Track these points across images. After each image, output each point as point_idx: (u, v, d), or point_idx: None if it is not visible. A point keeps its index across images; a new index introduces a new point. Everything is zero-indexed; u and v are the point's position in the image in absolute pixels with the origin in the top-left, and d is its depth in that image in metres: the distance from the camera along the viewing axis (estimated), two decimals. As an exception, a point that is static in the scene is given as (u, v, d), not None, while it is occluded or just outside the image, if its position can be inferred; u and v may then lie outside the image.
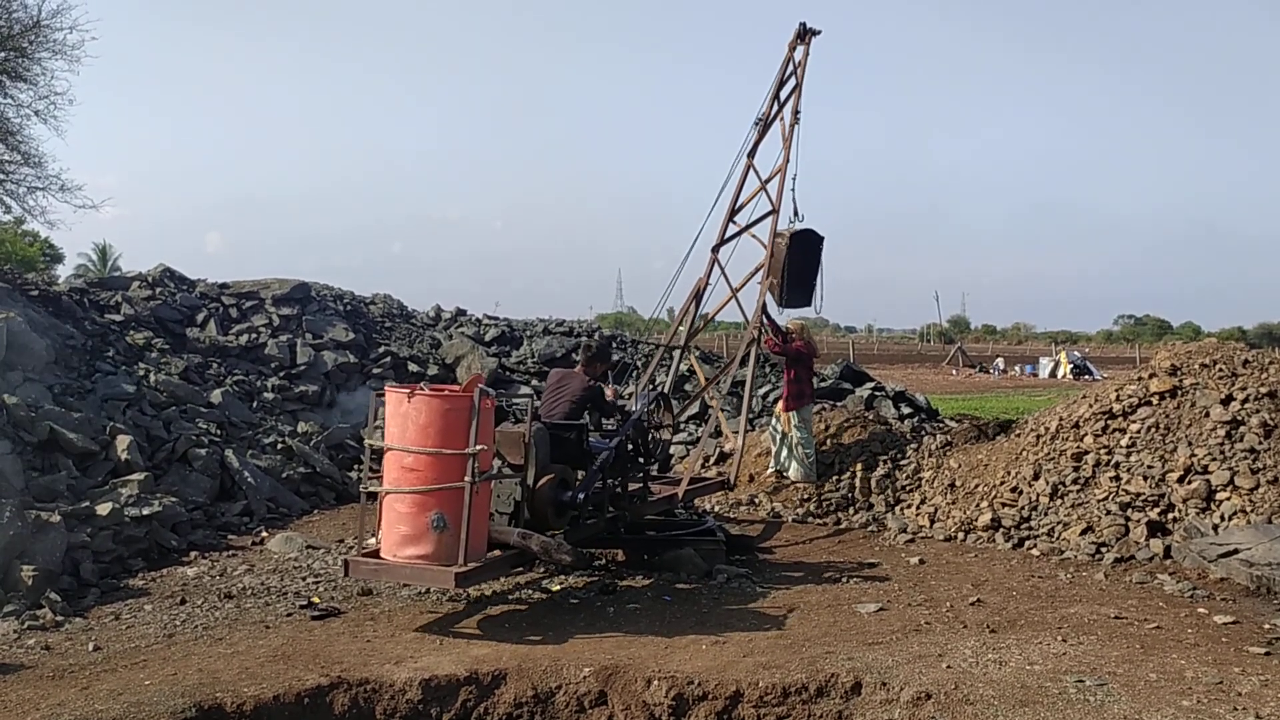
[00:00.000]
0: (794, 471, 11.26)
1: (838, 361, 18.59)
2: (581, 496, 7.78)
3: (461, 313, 19.31)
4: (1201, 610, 7.18)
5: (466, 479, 6.55)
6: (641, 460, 8.98)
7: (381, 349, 15.54)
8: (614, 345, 17.99)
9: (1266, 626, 6.78)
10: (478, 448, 6.58)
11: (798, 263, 11.77)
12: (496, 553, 7.18)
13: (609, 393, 8.99)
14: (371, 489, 7.04)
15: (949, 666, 5.91)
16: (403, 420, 6.66)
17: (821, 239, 12.14)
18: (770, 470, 11.52)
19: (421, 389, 6.72)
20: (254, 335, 14.69)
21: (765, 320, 11.47)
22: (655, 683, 5.88)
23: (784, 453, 11.36)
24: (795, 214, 12.02)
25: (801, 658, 6.13)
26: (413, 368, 15.22)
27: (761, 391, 14.49)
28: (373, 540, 7.13)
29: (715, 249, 11.87)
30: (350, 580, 7.88)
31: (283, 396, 13.46)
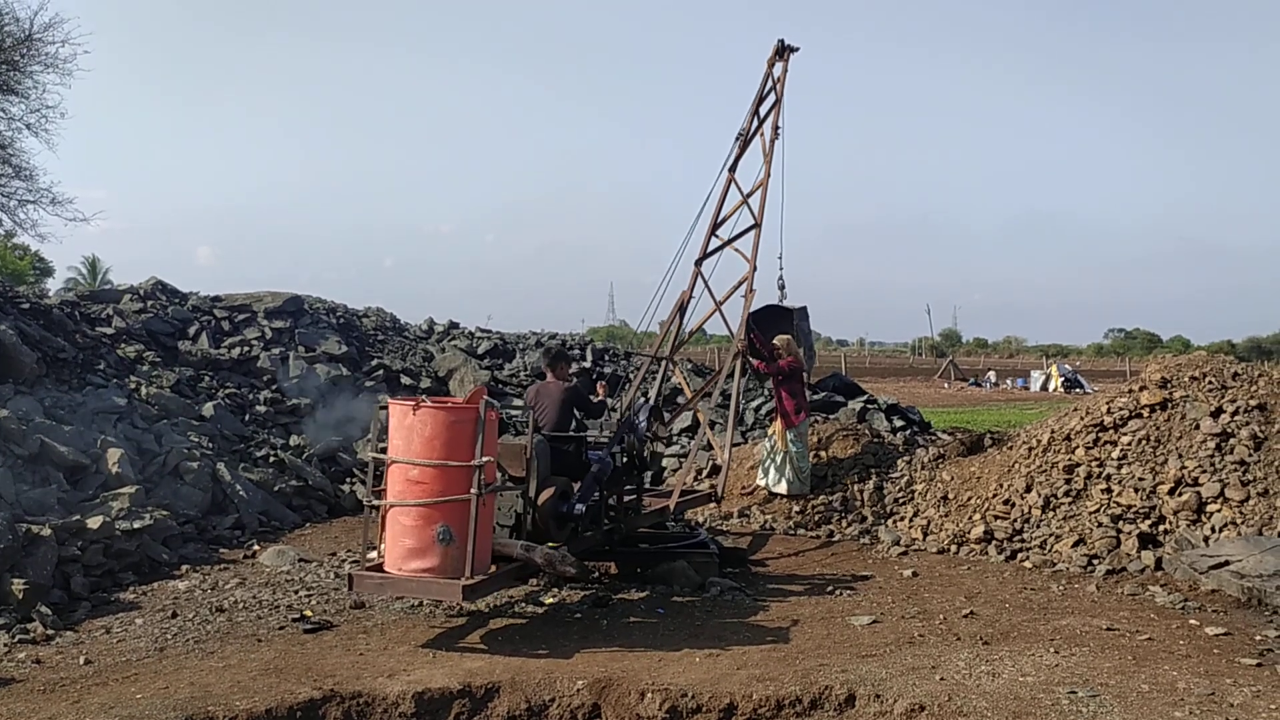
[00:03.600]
0: (784, 486, 11.25)
1: (830, 374, 18.63)
2: (582, 508, 7.79)
3: (454, 326, 19.34)
4: (1193, 622, 7.20)
5: (473, 491, 6.55)
6: (636, 472, 9.00)
7: (374, 362, 15.54)
8: (604, 359, 18.01)
9: (1258, 638, 6.80)
10: (484, 460, 6.58)
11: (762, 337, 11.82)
12: (494, 567, 7.16)
13: (599, 390, 9.02)
14: (375, 502, 7.01)
15: (942, 678, 5.91)
16: (408, 433, 6.65)
17: (791, 312, 12.15)
18: (758, 484, 11.51)
19: (424, 401, 6.71)
20: (246, 348, 14.68)
21: (751, 338, 11.46)
22: (649, 695, 5.87)
23: (773, 470, 11.34)
24: (781, 289, 12.08)
25: (795, 670, 6.13)
26: (405, 380, 15.22)
27: (754, 405, 14.51)
28: (374, 554, 7.10)
29: (698, 262, 11.92)
30: (343, 593, 7.88)
31: (275, 409, 13.43)
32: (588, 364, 17.55)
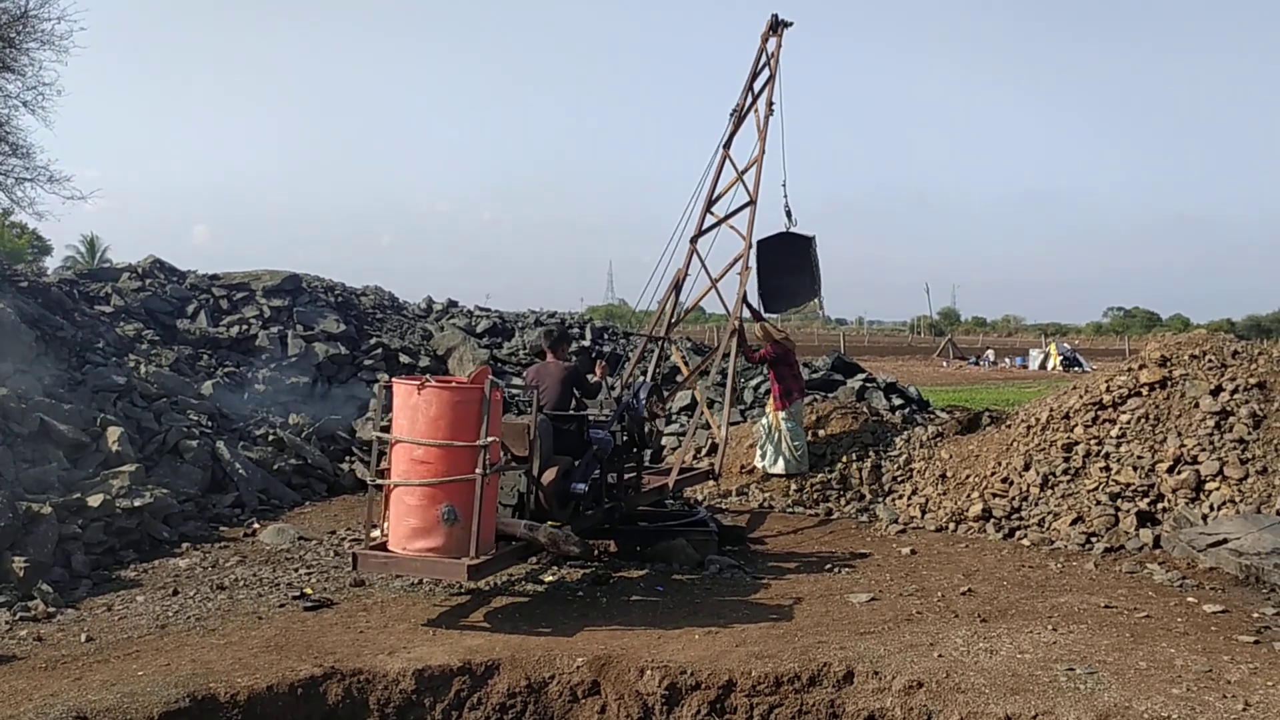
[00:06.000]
0: (781, 466, 11.26)
1: (828, 354, 18.65)
2: (584, 487, 7.79)
3: (453, 304, 19.30)
4: (1191, 599, 7.23)
5: (478, 471, 6.55)
6: (636, 450, 9.00)
7: (373, 340, 15.51)
8: (603, 338, 18.01)
9: (1255, 615, 6.83)
10: (489, 439, 6.58)
11: (769, 267, 11.86)
12: (496, 546, 7.17)
13: (598, 370, 9.02)
14: (379, 482, 7.01)
15: (940, 655, 5.94)
16: (412, 412, 6.64)
17: (804, 239, 12.18)
18: (754, 464, 11.53)
19: (429, 381, 6.70)
20: (245, 327, 14.66)
21: (748, 314, 11.50)
22: (648, 672, 5.89)
23: (770, 450, 11.36)
24: (789, 216, 12.08)
25: (794, 647, 6.16)
26: (404, 359, 15.20)
27: (753, 384, 14.51)
28: (377, 533, 7.11)
29: (694, 240, 11.92)
30: (344, 571, 7.90)
31: (274, 388, 13.43)
32: (587, 343, 17.54)
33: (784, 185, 12.02)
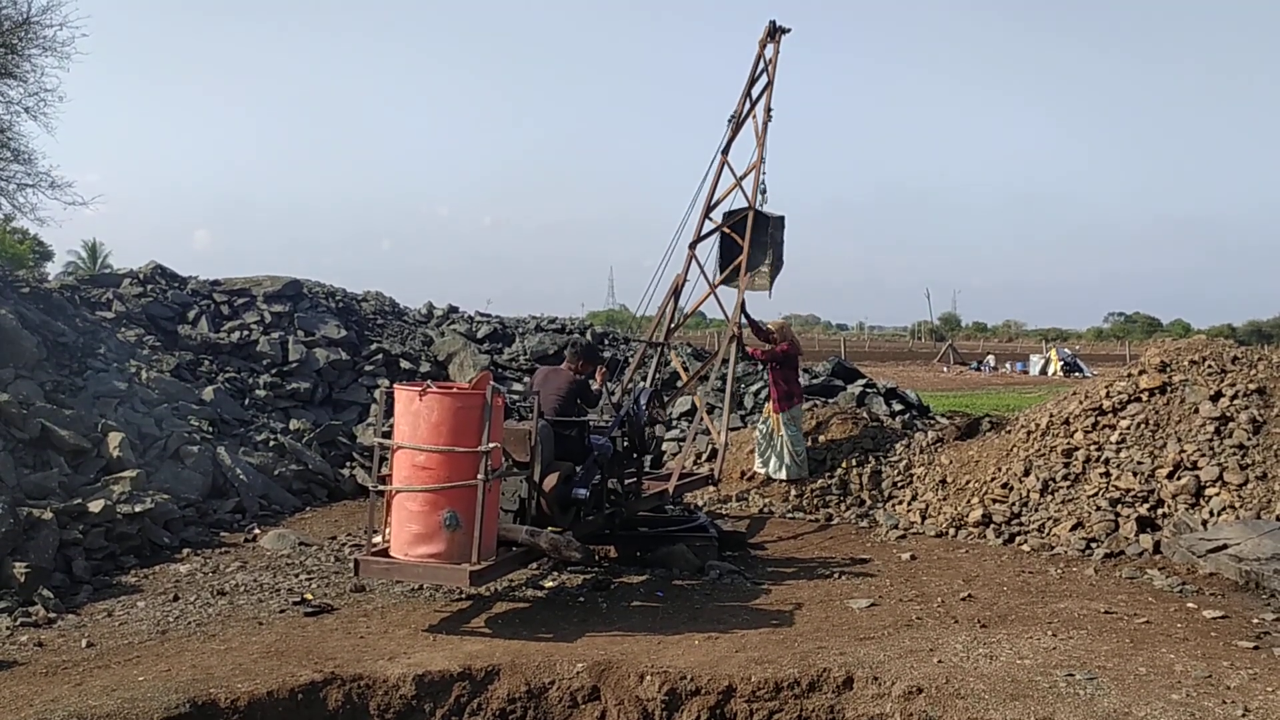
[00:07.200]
0: (783, 472, 11.27)
1: (829, 359, 18.66)
2: (585, 493, 7.80)
3: (454, 310, 19.30)
4: (1190, 605, 7.23)
5: (480, 477, 6.57)
6: (637, 456, 9.01)
7: (374, 346, 15.51)
8: (604, 343, 18.01)
9: (1255, 621, 6.83)
10: (490, 445, 6.60)
11: (732, 242, 11.89)
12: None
13: (598, 375, 9.03)
14: (380, 488, 7.02)
15: (940, 661, 5.94)
16: (414, 418, 6.65)
17: (768, 219, 12.14)
18: (754, 469, 11.54)
19: (431, 387, 6.72)
20: (246, 332, 14.67)
21: (747, 320, 11.50)
22: (648, 678, 5.90)
23: (770, 455, 11.36)
24: (762, 193, 12.03)
25: (794, 653, 6.16)
26: (405, 365, 15.20)
27: (754, 389, 14.53)
28: (379, 538, 7.12)
29: (692, 245, 11.95)
30: (344, 576, 7.91)
31: (275, 394, 13.45)
32: None
33: (763, 161, 12.02)
